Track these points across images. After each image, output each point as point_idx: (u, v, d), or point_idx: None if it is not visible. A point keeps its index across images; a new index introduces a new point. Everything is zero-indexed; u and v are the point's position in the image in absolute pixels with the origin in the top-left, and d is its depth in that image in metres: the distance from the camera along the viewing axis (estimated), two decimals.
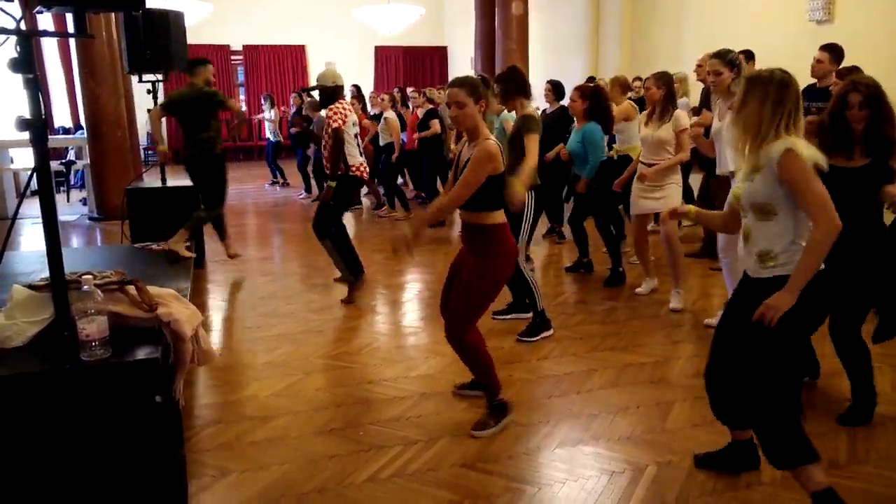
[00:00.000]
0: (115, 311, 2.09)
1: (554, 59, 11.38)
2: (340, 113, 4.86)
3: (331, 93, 4.94)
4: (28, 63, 1.91)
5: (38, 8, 1.90)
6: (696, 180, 6.43)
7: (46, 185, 2.01)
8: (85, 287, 1.99)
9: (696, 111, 6.40)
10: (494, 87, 4.19)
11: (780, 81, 2.25)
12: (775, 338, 2.23)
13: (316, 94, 5.56)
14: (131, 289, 2.20)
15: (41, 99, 1.96)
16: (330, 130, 4.85)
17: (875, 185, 2.90)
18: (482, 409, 3.17)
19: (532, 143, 4.08)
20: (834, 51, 5.37)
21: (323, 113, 4.99)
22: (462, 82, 3.01)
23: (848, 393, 3.16)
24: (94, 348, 1.97)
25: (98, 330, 1.97)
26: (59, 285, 2.03)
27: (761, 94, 2.24)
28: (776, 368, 2.27)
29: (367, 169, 5.23)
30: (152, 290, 2.25)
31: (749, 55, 6.13)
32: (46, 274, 2.09)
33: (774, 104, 2.22)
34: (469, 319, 3.03)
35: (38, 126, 1.94)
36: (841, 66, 5.19)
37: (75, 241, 7.72)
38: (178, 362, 2.24)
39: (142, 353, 2.05)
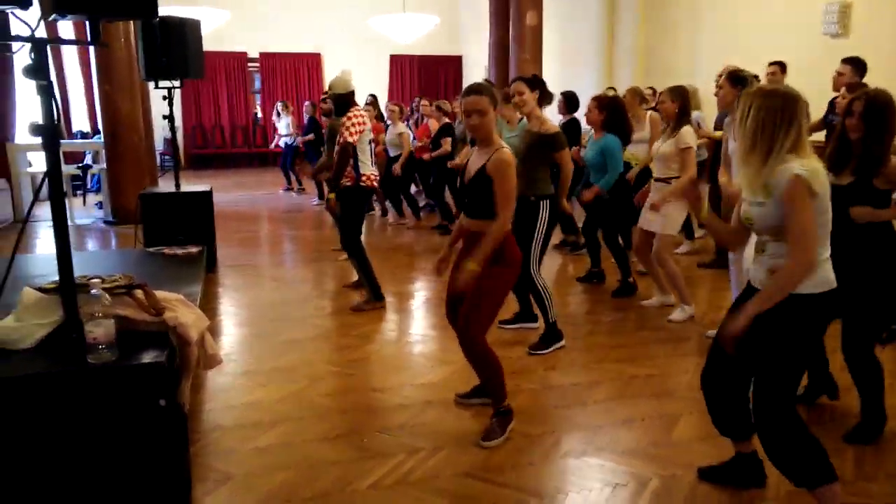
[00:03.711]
0: (122, 314, 2.13)
1: (568, 70, 11.38)
2: (358, 125, 4.84)
3: (345, 100, 4.96)
4: (42, 70, 1.96)
5: (53, 16, 1.94)
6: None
7: (57, 189, 2.05)
8: (93, 290, 2.02)
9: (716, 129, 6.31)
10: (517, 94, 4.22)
11: (787, 96, 2.21)
12: (775, 357, 2.24)
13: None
14: (139, 293, 2.23)
15: (58, 104, 2.01)
16: (341, 140, 4.84)
17: (858, 204, 2.83)
18: (487, 419, 3.16)
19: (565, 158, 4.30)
20: (856, 64, 5.33)
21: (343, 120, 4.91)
22: (482, 90, 2.96)
23: (855, 409, 3.13)
24: (101, 351, 2.00)
25: (105, 333, 2.00)
26: (68, 288, 2.06)
27: (768, 109, 2.17)
28: (779, 385, 2.26)
29: (378, 177, 5.25)
30: (159, 294, 2.29)
31: (783, 67, 6.13)
32: (57, 277, 2.12)
33: (784, 120, 2.15)
34: (482, 327, 3.02)
35: (50, 131, 1.98)
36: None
37: (90, 245, 7.80)
38: (183, 366, 2.27)
39: (148, 357, 2.08)
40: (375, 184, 5.14)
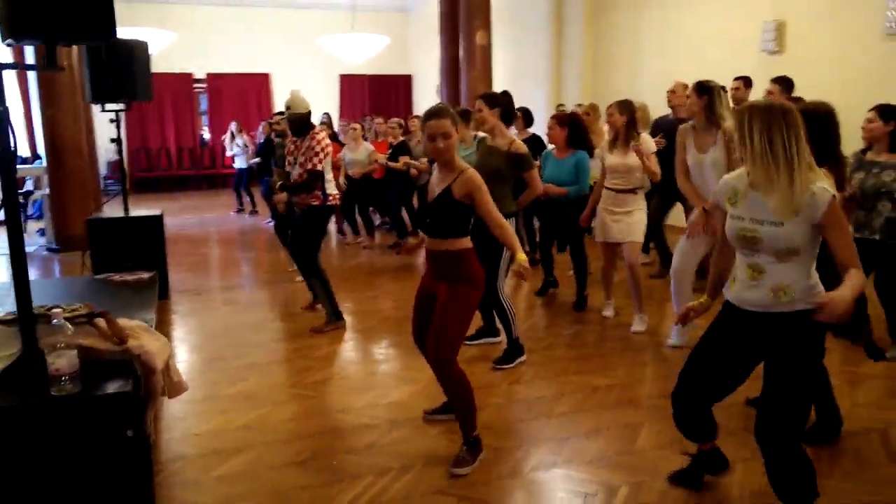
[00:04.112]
0: (85, 344, 2.07)
1: (517, 88, 11.53)
2: (324, 151, 4.85)
3: (305, 120, 4.95)
4: None
5: (9, 41, 1.90)
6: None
7: (14, 217, 2.00)
8: (55, 321, 1.96)
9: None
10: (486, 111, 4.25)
11: (785, 110, 2.18)
12: (804, 373, 2.28)
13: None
14: (101, 321, 2.17)
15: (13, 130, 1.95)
16: (309, 165, 4.82)
17: None
18: (454, 435, 3.17)
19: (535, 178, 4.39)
20: (783, 82, 5.62)
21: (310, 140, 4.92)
22: (446, 112, 2.94)
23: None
24: (64, 383, 1.94)
25: (68, 364, 1.94)
26: (26, 319, 2.00)
27: (771, 124, 2.15)
28: (802, 401, 2.30)
29: (339, 196, 5.27)
30: (122, 322, 2.23)
31: (748, 82, 6.24)
32: (11, 307, 2.05)
33: (792, 134, 2.14)
34: (453, 347, 2.99)
35: (8, 159, 1.93)
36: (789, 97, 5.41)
37: (33, 273, 7.50)
38: (149, 395, 2.22)
39: (112, 387, 2.03)
40: (338, 202, 5.15)
